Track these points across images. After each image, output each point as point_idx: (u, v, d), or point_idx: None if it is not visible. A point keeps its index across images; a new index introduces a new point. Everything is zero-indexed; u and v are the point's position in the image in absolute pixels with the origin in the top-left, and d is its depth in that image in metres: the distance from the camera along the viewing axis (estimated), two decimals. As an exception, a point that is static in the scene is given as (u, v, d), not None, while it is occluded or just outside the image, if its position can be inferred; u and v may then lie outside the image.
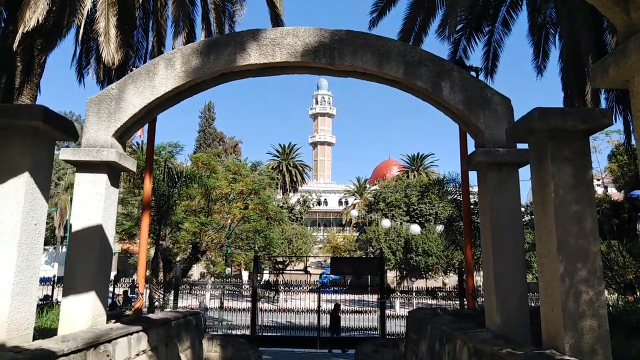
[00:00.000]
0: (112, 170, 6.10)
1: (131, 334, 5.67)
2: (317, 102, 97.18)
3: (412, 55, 6.12)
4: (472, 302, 10.20)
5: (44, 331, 6.57)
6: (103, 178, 5.95)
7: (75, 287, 5.63)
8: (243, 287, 32.64)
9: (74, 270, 5.71)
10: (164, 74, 6.12)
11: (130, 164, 6.30)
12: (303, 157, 76.44)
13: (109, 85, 6.21)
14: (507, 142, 5.92)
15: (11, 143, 4.37)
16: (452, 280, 53.56)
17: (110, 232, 6.14)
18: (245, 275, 46.44)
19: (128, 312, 11.72)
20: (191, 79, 6.13)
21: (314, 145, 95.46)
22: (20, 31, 7.72)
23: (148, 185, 11.02)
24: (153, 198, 18.87)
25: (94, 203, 5.87)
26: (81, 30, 8.64)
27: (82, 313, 5.54)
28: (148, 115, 6.41)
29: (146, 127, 11.04)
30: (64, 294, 5.67)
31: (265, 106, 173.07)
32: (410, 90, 6.35)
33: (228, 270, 36.98)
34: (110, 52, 8.46)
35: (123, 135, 6.24)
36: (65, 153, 5.86)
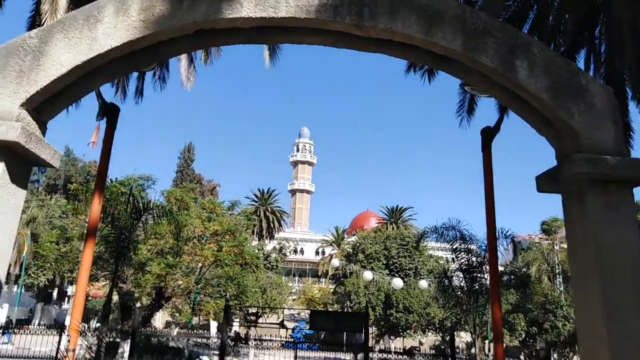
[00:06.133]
0: (15, 158, 3.92)
1: None
2: (298, 150, 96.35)
3: (473, 20, 4.29)
4: (502, 377, 7.98)
5: None
6: (-3, 168, 3.78)
7: None
8: (211, 340, 29.32)
9: None
10: (113, 22, 4.11)
11: (48, 154, 4.14)
12: (281, 203, 74.26)
13: (26, 32, 4.16)
14: (617, 145, 4.03)
15: None
16: (429, 340, 50.71)
17: (5, 256, 3.89)
18: (213, 326, 42.66)
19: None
20: (152, 32, 4.14)
21: (293, 192, 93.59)
22: None
23: (96, 206, 8.69)
24: (108, 228, 16.36)
25: (-24, 206, 3.65)
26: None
27: None
28: (83, 84, 4.32)
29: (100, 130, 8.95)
30: None
31: (246, 151, 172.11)
32: (468, 73, 4.47)
33: (195, 320, 33.57)
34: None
35: (41, 108, 4.13)
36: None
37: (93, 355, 14.29)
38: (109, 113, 8.93)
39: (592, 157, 3.93)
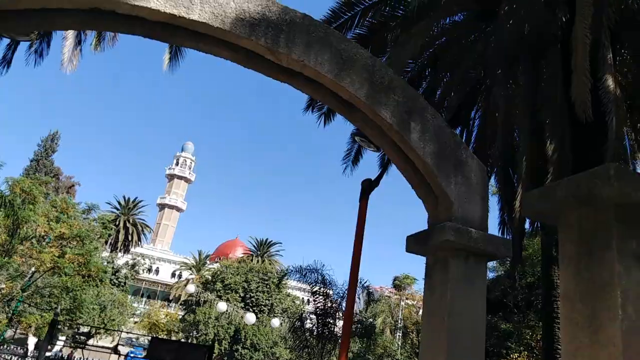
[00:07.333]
0: None
1: None
2: (177, 163, 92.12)
3: (381, 74, 4.45)
4: None
5: None
6: None
7: None
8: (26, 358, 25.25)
9: None
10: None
11: None
12: (146, 216, 69.77)
13: None
14: (482, 221, 4.39)
15: None
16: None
17: None
18: (32, 342, 37.09)
19: None
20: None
21: (162, 206, 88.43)
22: None
23: None
24: None
25: None
26: None
27: None
28: None
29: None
30: None
31: (120, 154, 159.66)
32: (366, 123, 4.56)
33: (9, 332, 28.88)
34: None
35: None
36: None
37: None
38: (-43, 73, 7.54)
39: (460, 228, 4.21)
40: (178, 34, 4.20)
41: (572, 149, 7.09)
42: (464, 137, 10.40)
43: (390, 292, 53.27)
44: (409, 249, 4.70)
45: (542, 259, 10.30)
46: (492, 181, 10.14)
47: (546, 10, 7.51)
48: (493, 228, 9.96)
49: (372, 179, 9.27)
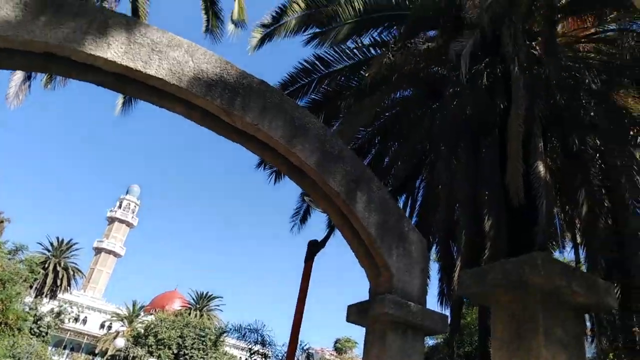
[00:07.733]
0: None
1: None
2: (120, 206, 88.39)
3: (331, 144, 4.58)
4: None
5: None
6: None
7: None
8: None
9: None
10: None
11: None
12: (79, 259, 65.60)
13: None
14: (421, 294, 4.45)
15: None
16: None
17: None
18: None
19: None
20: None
21: (99, 251, 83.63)
22: None
23: None
24: None
25: None
26: None
27: None
28: None
29: None
30: None
31: (60, 193, 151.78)
32: (314, 189, 4.63)
33: None
34: None
35: None
36: None
37: None
38: None
39: (400, 301, 4.24)
40: (132, 85, 4.19)
41: (507, 227, 7.48)
42: (409, 205, 10.72)
43: (331, 354, 51.91)
44: (349, 319, 4.66)
45: (479, 330, 10.46)
46: (434, 249, 10.40)
47: (487, 96, 8.15)
48: (433, 296, 10.06)
49: (319, 239, 9.29)
